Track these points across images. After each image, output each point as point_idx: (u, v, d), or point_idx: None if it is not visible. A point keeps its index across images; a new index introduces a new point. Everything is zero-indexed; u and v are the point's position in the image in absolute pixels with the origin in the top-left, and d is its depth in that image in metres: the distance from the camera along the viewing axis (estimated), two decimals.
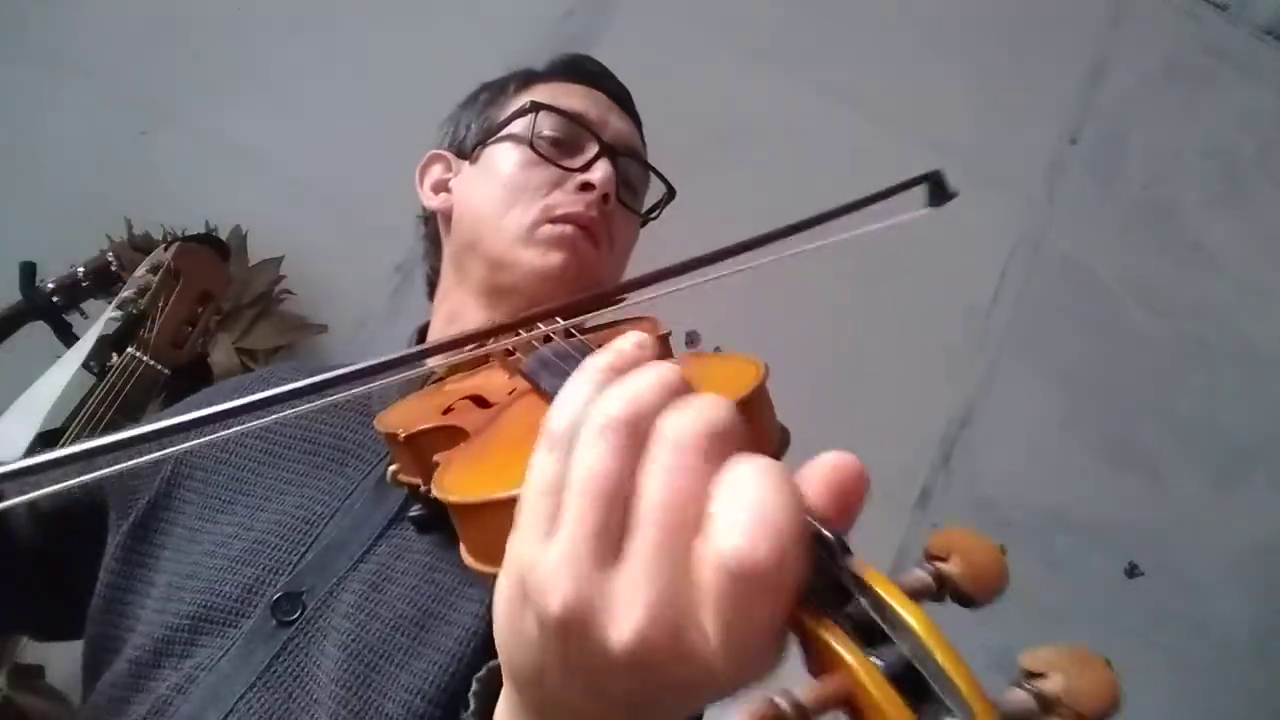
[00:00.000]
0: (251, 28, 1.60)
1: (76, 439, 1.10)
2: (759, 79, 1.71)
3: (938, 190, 0.48)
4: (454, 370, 0.83)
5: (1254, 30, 1.91)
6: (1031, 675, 0.26)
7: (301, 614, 0.64)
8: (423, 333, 0.90)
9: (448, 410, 0.61)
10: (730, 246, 0.49)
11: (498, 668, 0.37)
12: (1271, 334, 1.78)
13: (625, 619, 0.28)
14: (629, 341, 0.34)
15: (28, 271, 1.25)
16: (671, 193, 0.93)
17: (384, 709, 0.58)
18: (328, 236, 1.53)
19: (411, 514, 0.66)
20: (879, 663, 0.26)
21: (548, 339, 0.62)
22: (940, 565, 0.29)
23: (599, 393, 0.31)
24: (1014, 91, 1.79)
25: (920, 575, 0.29)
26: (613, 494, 0.29)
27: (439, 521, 0.65)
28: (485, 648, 0.61)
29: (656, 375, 0.31)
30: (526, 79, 0.90)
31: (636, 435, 0.30)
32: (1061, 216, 1.76)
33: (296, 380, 0.84)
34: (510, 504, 0.39)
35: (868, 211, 0.51)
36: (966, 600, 0.29)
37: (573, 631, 0.29)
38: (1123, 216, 1.79)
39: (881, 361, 1.63)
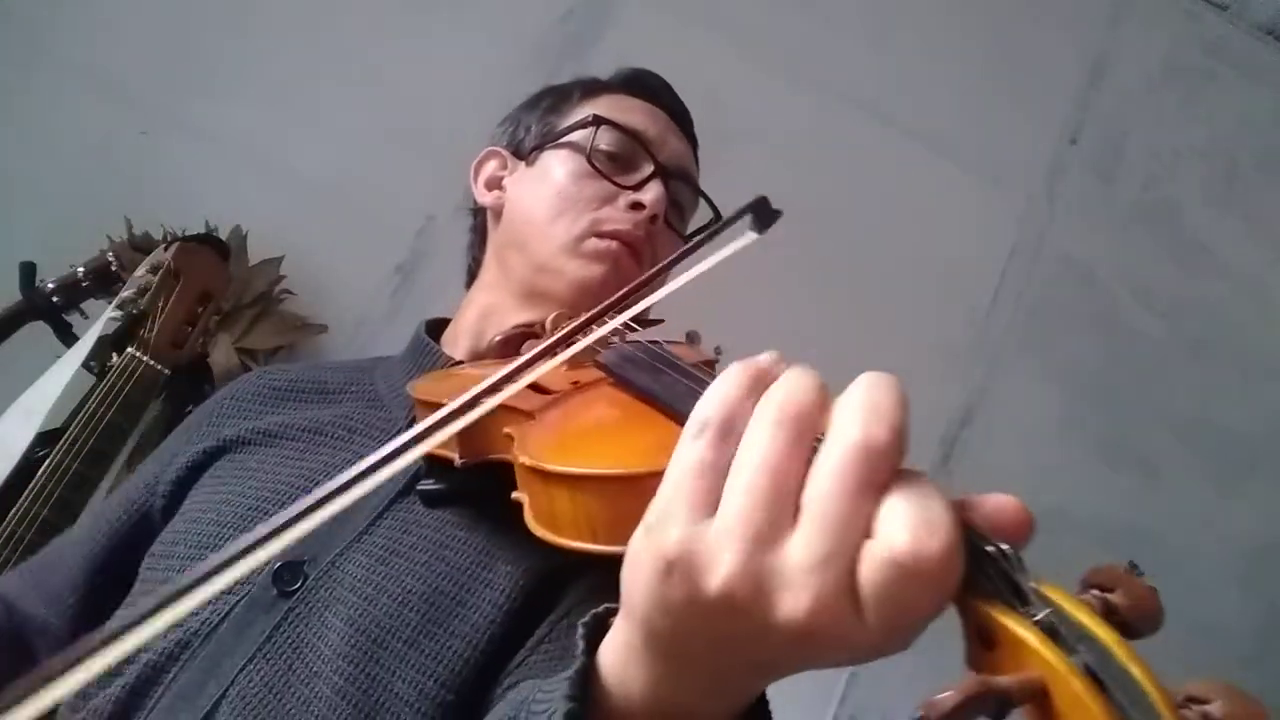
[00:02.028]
0: (252, 28, 1.60)
1: (76, 439, 1.10)
2: (759, 79, 1.71)
3: (764, 214, 0.49)
4: (476, 356, 0.83)
5: (1254, 30, 1.91)
6: (1193, 700, 0.29)
7: (303, 584, 0.63)
8: (433, 325, 0.90)
9: None
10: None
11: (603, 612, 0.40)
12: (1271, 334, 1.78)
13: (793, 600, 0.30)
14: (766, 356, 0.38)
15: (28, 271, 1.25)
16: (718, 217, 0.93)
17: (393, 687, 0.58)
18: (328, 236, 1.53)
19: (421, 487, 0.66)
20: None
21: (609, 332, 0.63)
22: (1108, 595, 0.31)
23: (751, 386, 0.35)
24: (1014, 91, 1.79)
25: (1090, 600, 0.31)
26: (784, 483, 0.32)
27: (451, 497, 0.65)
28: (504, 639, 0.61)
29: (812, 378, 0.35)
30: (591, 88, 0.91)
31: (807, 431, 0.33)
32: (1061, 216, 1.76)
33: (305, 380, 0.85)
34: (618, 481, 0.42)
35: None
36: (1131, 630, 0.31)
37: (732, 606, 0.31)
38: (1123, 216, 1.79)
39: (881, 361, 1.61)
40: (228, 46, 1.59)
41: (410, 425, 0.71)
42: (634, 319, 0.58)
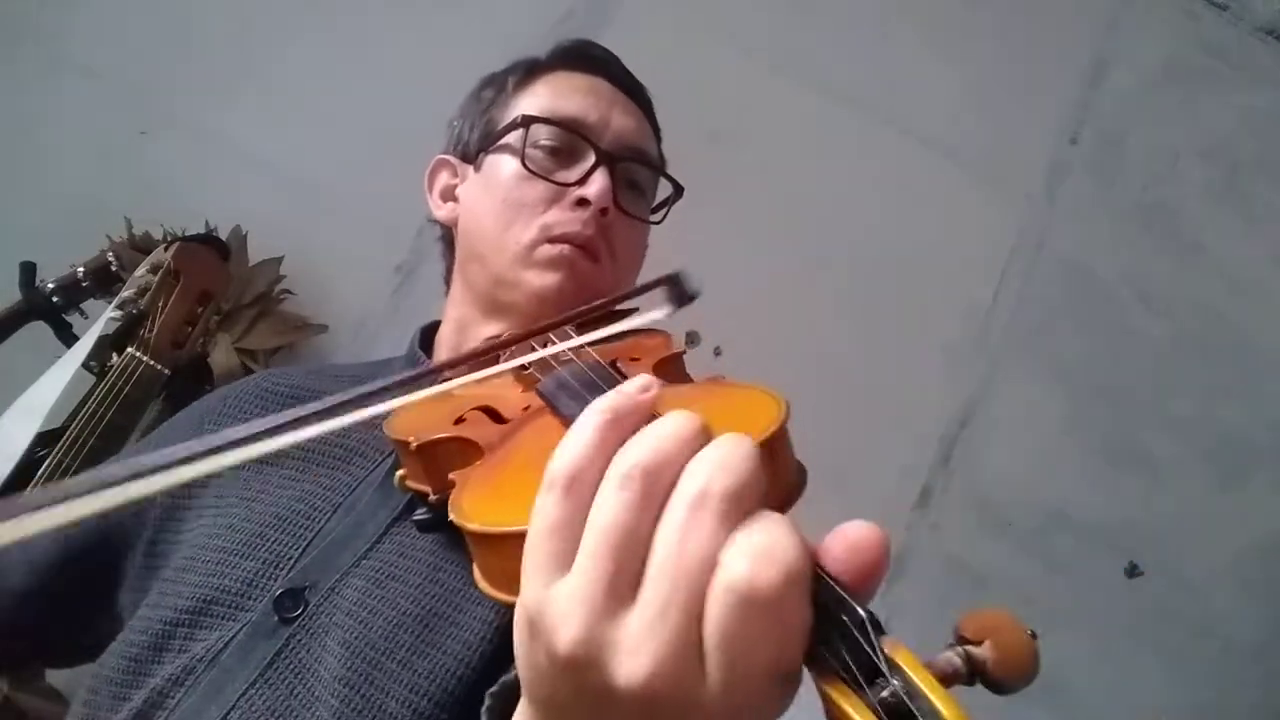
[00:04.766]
0: (252, 28, 1.60)
1: (76, 439, 1.10)
2: (759, 79, 1.71)
3: (678, 292, 0.48)
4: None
5: (1254, 30, 1.91)
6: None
7: (304, 610, 0.64)
8: (426, 332, 0.89)
9: (459, 420, 0.60)
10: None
11: (513, 680, 0.38)
12: (1271, 333, 1.78)
13: (631, 663, 0.29)
14: (633, 385, 0.35)
15: (28, 271, 1.25)
16: (679, 191, 0.91)
17: (387, 708, 0.58)
18: (328, 236, 1.53)
19: (416, 517, 0.66)
20: None
21: (558, 355, 0.60)
22: (972, 650, 0.30)
23: (602, 436, 0.33)
24: (1014, 91, 1.79)
25: (952, 659, 0.30)
26: (629, 543, 0.30)
27: (443, 524, 0.65)
28: (495, 656, 0.61)
29: (676, 427, 0.32)
30: (528, 72, 0.87)
31: (657, 486, 0.31)
32: (1061, 216, 1.76)
33: (305, 388, 0.85)
34: (523, 537, 0.39)
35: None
36: (996, 687, 0.30)
37: (579, 669, 0.31)
38: (1123, 216, 1.79)
39: (882, 361, 1.63)
40: (227, 46, 1.59)
41: (396, 459, 0.70)
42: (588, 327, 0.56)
